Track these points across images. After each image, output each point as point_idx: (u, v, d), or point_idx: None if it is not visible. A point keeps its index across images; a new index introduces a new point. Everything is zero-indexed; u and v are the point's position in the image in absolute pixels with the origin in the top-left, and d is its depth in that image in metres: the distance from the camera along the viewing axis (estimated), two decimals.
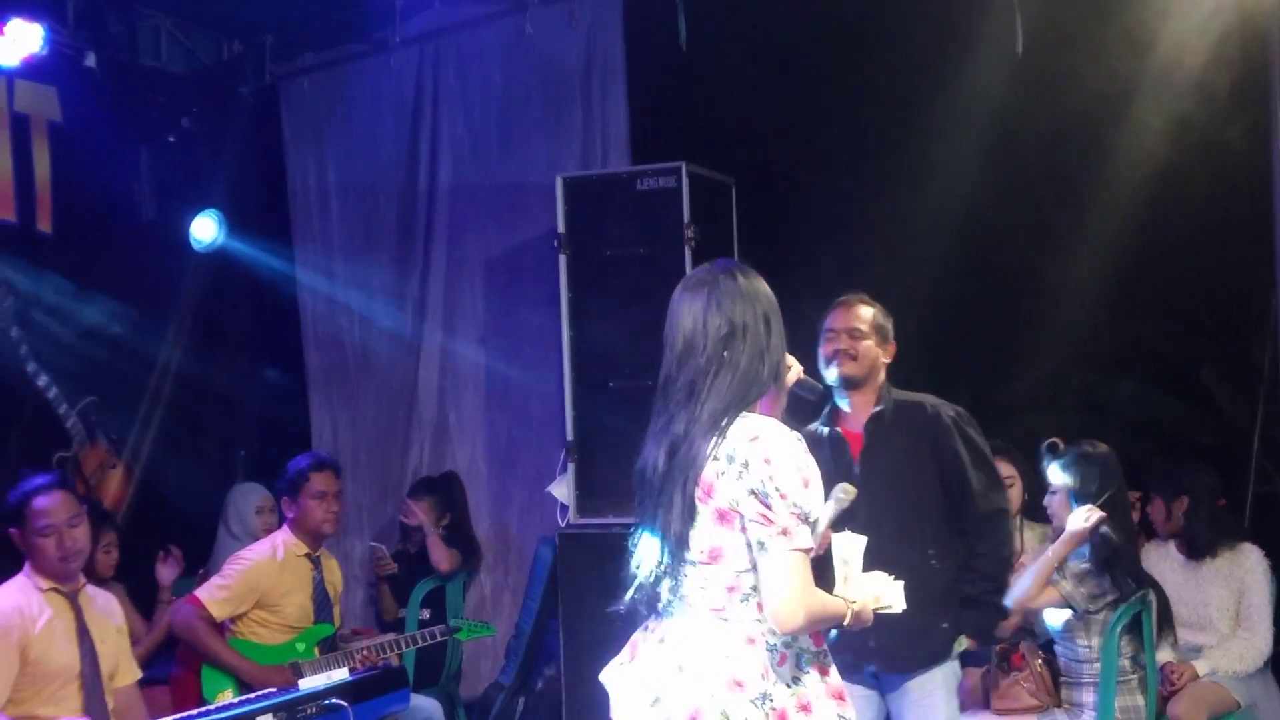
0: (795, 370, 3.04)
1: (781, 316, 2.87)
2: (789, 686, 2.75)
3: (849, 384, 4.06)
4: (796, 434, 2.78)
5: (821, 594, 2.79)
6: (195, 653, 5.06)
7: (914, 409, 4.08)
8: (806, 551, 2.72)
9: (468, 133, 6.85)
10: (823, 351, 4.08)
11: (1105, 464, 4.53)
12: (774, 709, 2.71)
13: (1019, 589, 4.35)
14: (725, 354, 2.78)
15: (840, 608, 2.84)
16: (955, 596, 3.99)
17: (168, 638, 5.39)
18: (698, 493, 2.76)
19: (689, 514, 2.77)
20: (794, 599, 2.69)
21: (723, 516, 2.74)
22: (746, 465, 2.71)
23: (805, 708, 2.75)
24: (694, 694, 2.72)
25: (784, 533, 2.69)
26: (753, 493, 2.70)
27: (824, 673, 2.85)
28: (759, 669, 2.72)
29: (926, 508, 4.01)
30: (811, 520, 2.72)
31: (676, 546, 2.79)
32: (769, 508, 2.69)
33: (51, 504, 4.34)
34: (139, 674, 4.64)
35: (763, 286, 2.88)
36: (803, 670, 2.79)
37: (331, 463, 5.50)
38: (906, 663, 3.96)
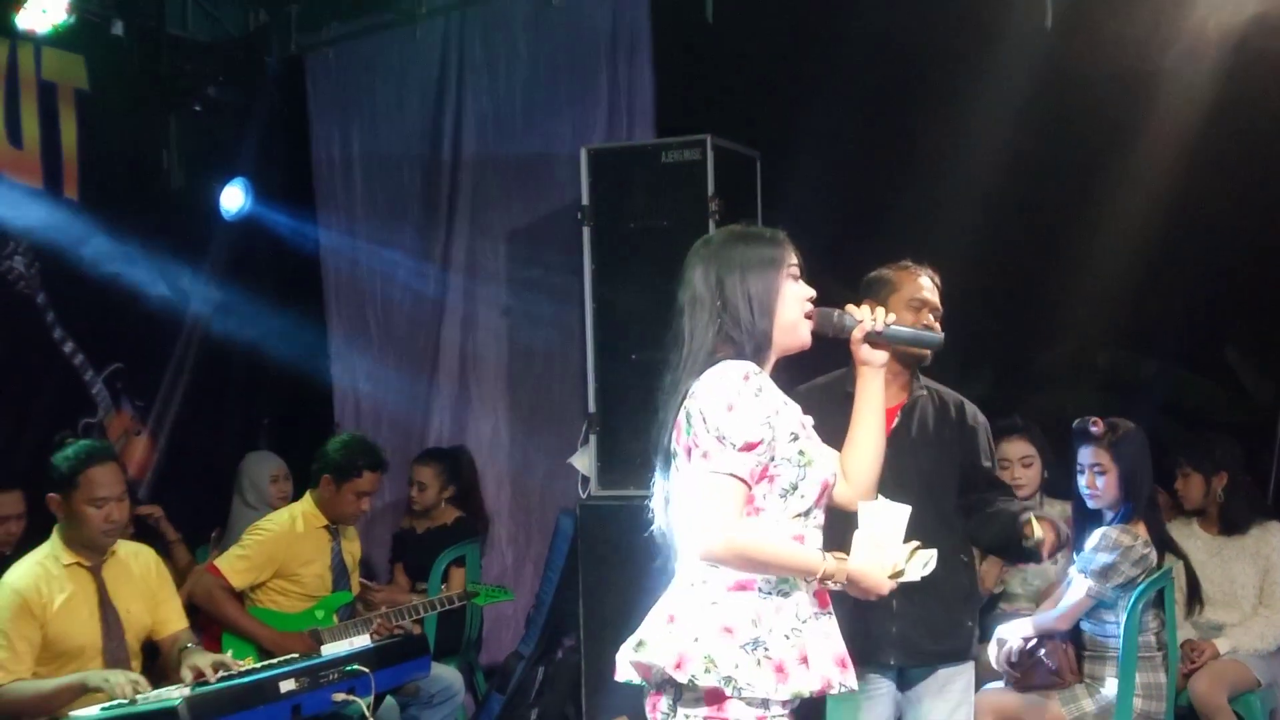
0: (868, 324, 2.99)
1: (766, 279, 2.83)
2: (787, 638, 2.72)
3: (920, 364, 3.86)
4: (749, 370, 2.76)
5: (767, 533, 2.74)
6: (215, 621, 5.08)
7: (949, 400, 3.91)
8: (736, 477, 2.69)
9: (492, 104, 6.84)
10: (907, 321, 3.72)
11: (1135, 443, 4.54)
12: (769, 657, 2.69)
13: (1050, 621, 4.45)
14: (684, 322, 2.85)
15: (808, 560, 2.76)
16: (979, 596, 3.92)
17: (186, 606, 5.42)
18: (674, 434, 2.81)
19: (669, 460, 2.83)
20: (710, 523, 2.68)
21: (688, 453, 2.77)
22: (693, 398, 2.76)
23: (805, 660, 2.73)
24: (679, 640, 2.71)
25: (704, 455, 2.70)
26: (687, 419, 2.75)
27: (827, 635, 2.82)
28: (750, 615, 2.71)
29: (956, 501, 3.87)
30: (739, 446, 2.69)
31: (670, 496, 2.84)
32: (694, 431, 2.72)
33: (107, 476, 4.30)
34: (185, 621, 4.62)
35: (732, 254, 2.86)
36: (803, 624, 2.76)
37: (386, 465, 5.48)
38: (928, 656, 3.82)
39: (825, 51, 5.81)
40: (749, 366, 2.77)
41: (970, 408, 3.94)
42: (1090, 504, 4.57)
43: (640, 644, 2.77)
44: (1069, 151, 5.56)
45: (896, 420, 3.83)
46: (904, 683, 3.88)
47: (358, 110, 7.26)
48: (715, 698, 2.69)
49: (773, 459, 2.75)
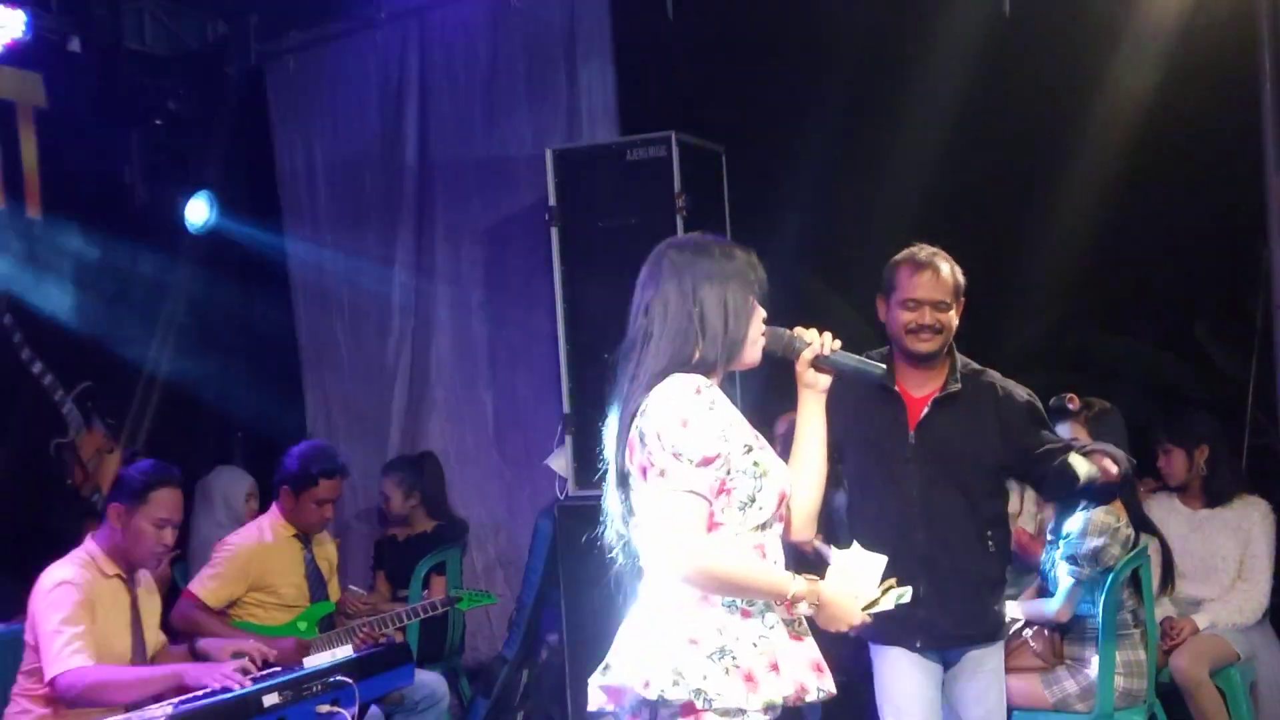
0: (817, 347, 2.93)
1: (742, 294, 2.80)
2: (755, 645, 2.70)
3: (927, 360, 3.79)
4: (699, 383, 2.72)
5: (736, 552, 2.72)
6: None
7: (986, 389, 3.82)
8: (696, 494, 2.66)
9: (453, 107, 6.81)
10: (900, 319, 3.75)
11: (1111, 421, 4.56)
12: (737, 666, 2.67)
13: (1050, 614, 4.46)
14: (650, 326, 2.78)
15: (778, 580, 2.73)
16: (1006, 580, 3.89)
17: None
18: (627, 453, 2.77)
19: (624, 475, 2.79)
20: (674, 542, 2.65)
21: (644, 472, 2.73)
22: (645, 415, 2.72)
23: (775, 667, 2.71)
24: (644, 657, 2.69)
25: (662, 473, 2.67)
26: (640, 438, 2.71)
27: (798, 639, 2.79)
28: (715, 624, 2.69)
29: (985, 490, 3.82)
30: (696, 462, 2.65)
31: (625, 510, 2.80)
32: (648, 449, 2.69)
33: (175, 500, 4.41)
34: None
35: (709, 264, 2.80)
36: (771, 630, 2.73)
37: (343, 470, 5.43)
38: (954, 640, 3.81)
39: (787, 44, 5.83)
40: (699, 380, 2.74)
41: (1007, 391, 3.84)
42: None
43: (606, 668, 2.76)
44: (1032, 134, 5.59)
45: (925, 410, 3.79)
46: (937, 660, 3.86)
47: (320, 118, 7.22)
48: (689, 711, 2.67)
49: (729, 472, 2.72)
